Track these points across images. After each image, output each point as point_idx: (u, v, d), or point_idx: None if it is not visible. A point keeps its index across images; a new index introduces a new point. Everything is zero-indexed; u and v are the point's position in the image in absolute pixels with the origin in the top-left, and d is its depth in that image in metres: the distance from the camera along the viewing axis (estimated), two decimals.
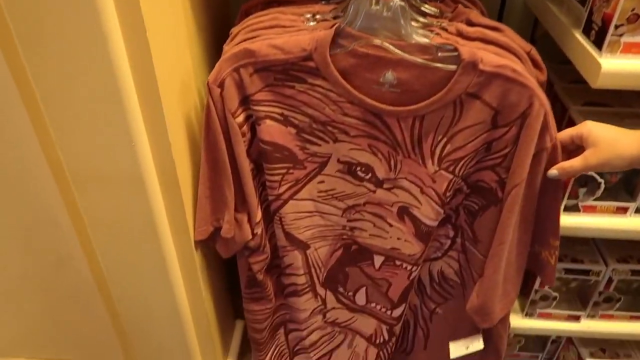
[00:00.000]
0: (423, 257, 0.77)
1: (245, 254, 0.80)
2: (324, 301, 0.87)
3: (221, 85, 0.66)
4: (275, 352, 0.95)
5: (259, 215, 0.76)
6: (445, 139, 0.66)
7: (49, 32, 0.56)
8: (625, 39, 0.64)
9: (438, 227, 0.75)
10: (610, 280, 0.92)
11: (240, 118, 0.69)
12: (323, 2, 0.73)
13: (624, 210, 0.82)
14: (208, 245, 0.80)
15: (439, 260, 0.80)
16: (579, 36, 0.70)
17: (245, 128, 0.70)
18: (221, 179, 0.73)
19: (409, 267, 0.78)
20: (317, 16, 0.68)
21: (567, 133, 0.64)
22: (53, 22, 0.55)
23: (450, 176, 0.68)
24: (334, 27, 0.63)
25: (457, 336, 0.86)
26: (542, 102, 0.61)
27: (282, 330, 0.94)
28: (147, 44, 0.58)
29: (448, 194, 0.70)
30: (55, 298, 0.89)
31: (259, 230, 0.77)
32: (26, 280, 0.87)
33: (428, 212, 0.72)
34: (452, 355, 0.80)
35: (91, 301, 0.88)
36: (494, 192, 0.69)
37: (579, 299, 0.99)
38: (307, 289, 0.85)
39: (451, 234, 0.77)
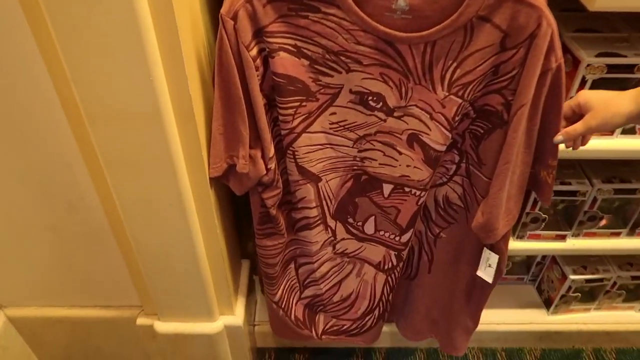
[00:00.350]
0: (431, 182, 0.81)
1: (258, 190, 0.82)
2: (334, 232, 0.91)
3: (234, 17, 0.66)
4: (287, 286, 0.99)
5: (272, 150, 0.78)
6: (455, 64, 0.69)
7: None
8: None
9: (444, 153, 0.78)
10: (594, 200, 1.00)
11: (254, 51, 0.69)
12: None
13: (611, 132, 0.88)
14: (221, 182, 0.82)
15: (444, 185, 0.85)
16: None
17: (258, 62, 0.71)
18: (235, 115, 0.73)
19: (417, 193, 0.82)
20: None
21: (567, 105, 0.70)
22: None
23: (460, 100, 0.71)
24: None
25: (459, 259, 0.92)
26: (550, 22, 0.64)
27: (292, 265, 0.98)
28: None
29: (457, 118, 0.73)
30: (67, 242, 0.90)
31: (272, 165, 0.79)
32: (37, 225, 0.87)
33: (437, 137, 0.75)
34: (489, 280, 0.85)
35: (105, 243, 0.89)
36: (499, 115, 0.72)
37: (566, 219, 1.06)
38: (319, 222, 0.89)
39: (457, 159, 0.81)
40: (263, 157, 0.77)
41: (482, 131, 0.76)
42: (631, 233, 1.05)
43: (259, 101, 0.72)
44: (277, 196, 0.83)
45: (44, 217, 0.86)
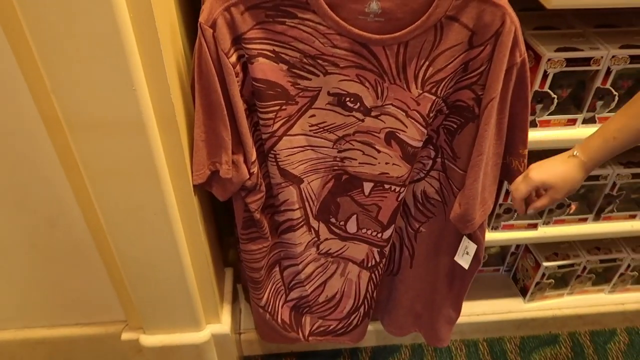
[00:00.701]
0: (409, 178, 0.84)
1: (241, 194, 0.83)
2: (317, 233, 0.93)
3: (213, 25, 0.68)
4: (272, 289, 1.00)
5: (254, 154, 0.79)
6: (427, 63, 0.72)
7: None
8: None
9: (421, 149, 0.82)
10: None
11: (233, 58, 0.71)
12: None
13: (573, 122, 0.93)
14: (204, 189, 0.83)
15: (422, 181, 0.88)
16: None
17: (238, 68, 0.72)
18: (216, 122, 0.75)
19: (397, 189, 0.85)
20: None
21: (525, 189, 0.76)
22: None
23: (433, 97, 0.75)
24: None
25: (439, 252, 0.95)
26: (513, 20, 0.68)
27: (277, 269, 0.99)
28: None
29: (431, 114, 0.76)
30: (48, 260, 0.88)
31: (255, 169, 0.80)
32: (15, 244, 0.85)
33: (413, 134, 0.78)
34: (465, 266, 0.89)
35: (87, 258, 0.88)
36: (471, 109, 0.76)
37: None
38: (302, 223, 0.90)
39: (432, 154, 0.84)
40: (245, 161, 0.79)
41: (455, 126, 0.79)
42: (597, 218, 1.10)
43: (240, 106, 0.74)
44: (260, 200, 0.84)
45: (23, 234, 0.84)
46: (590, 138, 0.72)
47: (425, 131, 0.78)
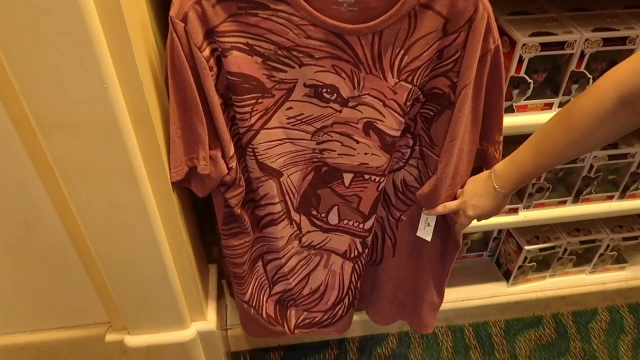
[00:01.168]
0: (389, 167, 0.84)
1: (221, 190, 0.83)
2: (299, 226, 0.92)
3: (184, 19, 0.67)
4: (256, 284, 1.00)
5: (232, 149, 0.78)
6: (402, 51, 0.72)
7: None
8: None
9: (399, 138, 0.82)
10: None
11: (206, 52, 0.70)
12: None
13: (550, 106, 0.94)
14: (183, 186, 0.82)
15: (401, 169, 0.88)
16: None
17: (211, 62, 0.71)
18: (192, 117, 0.74)
19: (377, 179, 0.85)
20: None
21: (468, 224, 0.85)
22: None
23: (410, 86, 0.75)
24: None
25: (420, 239, 0.96)
26: (486, 6, 0.68)
27: (260, 263, 0.98)
28: None
29: (408, 103, 0.76)
30: (26, 264, 0.87)
31: (233, 164, 0.79)
32: None
33: (391, 123, 0.78)
34: (428, 239, 0.90)
35: (67, 261, 0.87)
36: (447, 96, 0.76)
37: (516, 193, 1.12)
38: (283, 217, 0.90)
39: (411, 142, 0.84)
40: (223, 156, 0.78)
41: (432, 114, 0.80)
42: (575, 200, 1.12)
43: (215, 101, 0.73)
44: (240, 195, 0.84)
45: None
46: (508, 172, 0.76)
47: (403, 120, 0.78)
